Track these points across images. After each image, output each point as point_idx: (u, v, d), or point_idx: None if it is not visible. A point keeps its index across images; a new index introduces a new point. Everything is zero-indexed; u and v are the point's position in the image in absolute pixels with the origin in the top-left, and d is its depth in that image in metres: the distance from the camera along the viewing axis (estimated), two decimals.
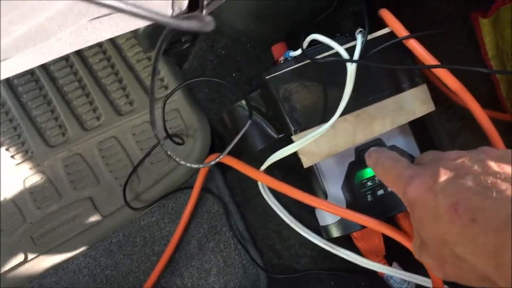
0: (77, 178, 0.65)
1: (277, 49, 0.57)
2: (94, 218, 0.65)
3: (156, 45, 0.59)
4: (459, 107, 0.65)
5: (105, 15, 0.33)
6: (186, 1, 0.37)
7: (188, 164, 0.42)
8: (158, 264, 0.64)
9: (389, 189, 0.55)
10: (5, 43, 0.26)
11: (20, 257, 0.63)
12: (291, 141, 0.53)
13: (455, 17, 0.64)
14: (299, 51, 0.52)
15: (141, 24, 0.40)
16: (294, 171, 0.63)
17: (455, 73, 0.51)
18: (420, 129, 0.63)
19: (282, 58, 0.55)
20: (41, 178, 0.65)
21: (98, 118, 0.67)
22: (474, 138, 0.65)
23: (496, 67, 0.65)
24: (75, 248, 0.64)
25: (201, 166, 0.44)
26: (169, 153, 0.39)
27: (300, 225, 0.58)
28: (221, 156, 0.50)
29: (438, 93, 0.62)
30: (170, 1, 0.37)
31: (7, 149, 0.65)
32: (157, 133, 0.35)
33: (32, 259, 0.63)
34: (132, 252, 0.66)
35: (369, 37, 0.52)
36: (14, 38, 0.26)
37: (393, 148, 0.56)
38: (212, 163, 0.46)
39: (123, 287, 0.65)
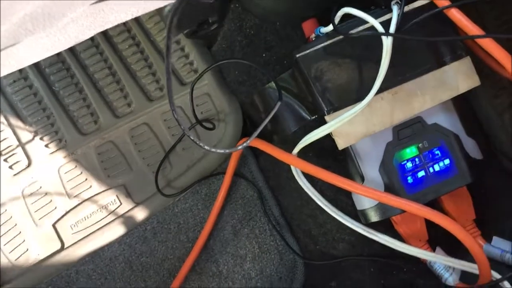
0: (110, 165, 0.65)
1: (307, 26, 0.54)
2: (128, 205, 0.65)
3: (184, 27, 0.57)
4: (507, 81, 0.61)
5: None
6: None
7: (213, 150, 0.40)
8: (193, 251, 0.63)
9: (432, 170, 0.52)
10: (10, 25, 0.24)
11: (56, 245, 0.63)
12: (325, 122, 0.50)
13: None
14: (330, 27, 0.50)
15: (160, 3, 0.38)
16: (329, 153, 0.61)
17: (502, 44, 0.47)
18: (464, 106, 0.59)
19: (313, 35, 0.53)
20: (75, 166, 0.65)
21: (129, 105, 0.67)
22: None
23: None
24: (110, 235, 0.64)
25: (227, 151, 0.42)
26: (192, 138, 0.38)
27: (336, 209, 0.55)
28: (250, 140, 0.49)
29: (483, 66, 0.58)
30: None
31: (41, 138, 0.65)
32: (178, 119, 0.33)
33: (68, 247, 0.63)
34: (167, 238, 0.65)
35: (407, 8, 0.49)
36: (20, 19, 0.24)
37: (435, 126, 0.52)
38: (240, 147, 0.45)
39: (159, 273, 0.64)
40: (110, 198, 0.65)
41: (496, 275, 0.47)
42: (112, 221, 0.64)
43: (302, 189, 0.57)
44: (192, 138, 0.40)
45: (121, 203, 0.65)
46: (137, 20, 0.68)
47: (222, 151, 0.42)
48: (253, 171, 0.67)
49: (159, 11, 0.67)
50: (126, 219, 0.65)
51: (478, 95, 0.62)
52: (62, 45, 0.38)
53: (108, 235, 0.64)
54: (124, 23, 0.68)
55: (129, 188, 0.65)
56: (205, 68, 0.62)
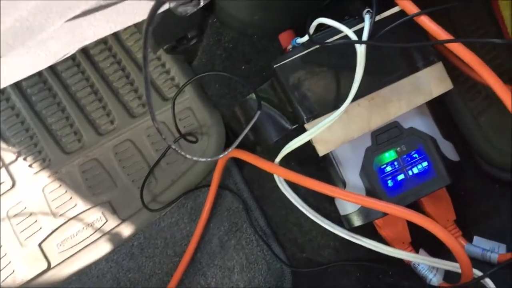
0: (95, 183, 0.65)
1: (284, 37, 0.55)
2: (114, 221, 0.65)
3: (163, 42, 0.58)
4: (482, 86, 0.63)
5: (96, 9, 0.33)
6: None
7: (195, 158, 0.41)
8: (180, 265, 0.63)
9: (410, 173, 0.53)
10: None
11: (43, 265, 0.63)
12: (305, 131, 0.51)
13: None
14: (306, 37, 0.51)
15: (137, 18, 0.39)
16: (311, 162, 0.62)
17: (476, 50, 0.49)
18: (441, 110, 0.61)
19: (290, 46, 0.54)
20: (60, 185, 0.65)
21: (112, 122, 0.67)
22: (499, 117, 0.63)
23: None
24: (97, 253, 0.64)
25: (209, 159, 0.43)
26: (177, 149, 0.39)
27: (320, 216, 0.56)
28: (232, 148, 0.49)
29: (459, 72, 0.60)
30: None
31: (24, 159, 0.66)
32: (161, 131, 0.34)
33: (55, 266, 0.63)
34: (154, 254, 0.65)
35: (379, 17, 0.50)
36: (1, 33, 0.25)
37: (412, 130, 0.54)
38: (221, 156, 0.45)
39: None
40: (96, 215, 0.65)
41: (478, 273, 0.48)
42: (99, 238, 0.64)
43: (286, 198, 0.58)
44: (176, 149, 0.41)
45: (107, 220, 0.65)
46: (117, 38, 0.69)
47: (204, 159, 0.43)
48: (237, 182, 0.67)
49: (139, 28, 0.68)
50: (113, 236, 0.65)
51: (454, 99, 0.64)
52: (43, 62, 0.39)
53: (94, 252, 0.64)
54: (105, 42, 0.69)
55: (115, 204, 0.65)
56: (186, 83, 0.63)
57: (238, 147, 0.60)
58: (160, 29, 0.53)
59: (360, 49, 0.47)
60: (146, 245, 0.65)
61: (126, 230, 0.65)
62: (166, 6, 0.38)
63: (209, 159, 0.45)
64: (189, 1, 0.37)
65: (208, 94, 0.66)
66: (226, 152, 0.47)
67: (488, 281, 0.46)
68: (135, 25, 0.67)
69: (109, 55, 0.68)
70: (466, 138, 0.64)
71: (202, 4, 0.37)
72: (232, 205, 0.67)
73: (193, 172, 0.66)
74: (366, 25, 0.48)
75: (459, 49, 0.47)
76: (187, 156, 0.41)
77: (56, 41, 0.35)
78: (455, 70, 0.61)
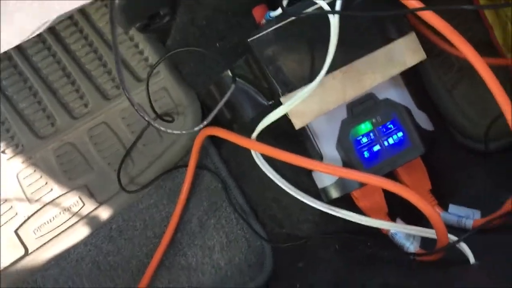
0: (70, 167, 0.64)
1: (257, 12, 0.55)
2: (91, 205, 0.64)
3: (134, 20, 0.57)
4: (456, 59, 0.63)
5: None
6: None
7: (175, 132, 0.41)
8: (160, 246, 0.63)
9: (386, 144, 0.54)
10: None
11: (20, 251, 0.62)
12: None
13: None
14: (279, 10, 0.51)
15: None
16: (288, 137, 0.62)
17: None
18: (416, 84, 0.62)
19: (264, 20, 0.54)
20: (34, 171, 0.64)
21: (86, 105, 0.66)
22: (472, 90, 0.64)
23: (488, 12, 0.63)
24: (75, 237, 0.63)
25: (184, 132, 0.43)
26: (157, 126, 0.39)
27: (297, 190, 0.56)
28: (206, 122, 0.49)
29: (432, 46, 0.61)
30: None
31: None
32: (138, 109, 0.33)
33: (32, 252, 0.62)
34: (133, 236, 0.65)
35: None
36: None
37: (387, 101, 0.54)
38: (197, 128, 0.45)
39: (127, 271, 0.64)
40: (73, 199, 0.64)
41: (453, 239, 0.49)
42: (76, 222, 0.64)
43: (265, 175, 0.58)
44: (157, 126, 0.41)
45: (84, 204, 0.64)
46: (88, 19, 0.67)
47: (179, 132, 0.43)
48: (215, 162, 0.67)
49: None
50: (90, 220, 0.64)
51: (428, 73, 0.65)
52: (11, 39, 0.38)
53: (72, 237, 0.63)
54: (76, 24, 0.67)
55: (91, 188, 0.64)
56: (160, 60, 0.62)
57: (215, 125, 0.60)
58: (130, 6, 0.52)
59: (334, 20, 0.47)
60: (125, 227, 0.65)
61: (104, 213, 0.64)
62: None
63: (184, 132, 0.44)
64: None
65: (183, 73, 0.65)
66: (201, 125, 0.47)
67: (463, 245, 0.47)
68: (106, 5, 0.67)
69: (80, 37, 0.67)
70: (440, 111, 0.65)
71: None
72: (211, 184, 0.67)
73: (171, 152, 0.65)
74: None
75: (431, 18, 0.47)
76: (168, 130, 0.41)
77: (22, 14, 0.34)
78: (428, 43, 0.61)
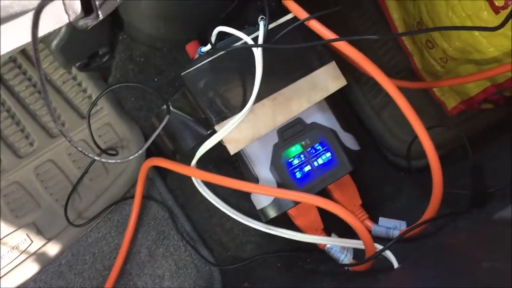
0: (17, 206, 0.65)
1: (190, 48, 0.59)
2: (40, 242, 0.65)
3: (74, 59, 0.60)
4: None
5: None
6: (78, 2, 0.39)
7: (118, 161, 0.44)
8: (110, 277, 0.64)
9: (316, 164, 0.58)
10: None
11: None
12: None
13: None
14: (209, 46, 0.55)
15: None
16: (227, 164, 0.65)
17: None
18: (338, 106, 0.66)
19: (196, 55, 0.58)
20: None
21: (31, 144, 0.67)
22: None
23: (408, 41, 0.69)
24: (24, 275, 0.63)
25: (129, 158, 0.46)
26: (102, 160, 0.41)
27: (238, 213, 0.59)
28: (145, 147, 0.52)
29: (360, 73, 0.66)
30: (63, 7, 0.39)
31: None
32: (83, 150, 0.36)
33: None
34: (83, 270, 0.66)
35: (275, 23, 0.55)
36: None
37: (314, 125, 0.59)
38: (130, 158, 0.48)
39: None
40: (21, 237, 0.64)
41: (379, 247, 0.53)
42: (24, 260, 0.64)
43: (208, 201, 0.61)
44: (101, 160, 0.43)
45: (32, 241, 0.65)
46: (31, 61, 0.69)
47: (121, 160, 0.45)
48: (161, 192, 0.69)
49: (51, 50, 0.70)
50: (39, 256, 0.64)
51: (358, 98, 0.70)
52: None
53: (21, 275, 0.63)
54: (19, 66, 0.69)
55: (39, 225, 0.65)
56: (104, 100, 0.65)
57: (159, 156, 0.63)
58: (69, 46, 0.55)
59: (257, 53, 0.52)
60: (74, 262, 0.66)
61: (53, 249, 0.65)
62: (66, 20, 0.40)
63: (129, 158, 0.47)
64: (87, 15, 0.39)
65: (125, 108, 0.68)
66: (140, 150, 0.50)
67: (388, 253, 0.51)
68: (49, 48, 0.69)
69: (24, 78, 0.69)
70: (371, 132, 0.70)
71: (101, 17, 0.39)
72: (158, 214, 0.69)
73: (117, 185, 0.67)
74: (261, 30, 0.52)
75: (344, 47, 0.52)
76: (109, 161, 0.43)
77: None
78: (356, 71, 0.67)
